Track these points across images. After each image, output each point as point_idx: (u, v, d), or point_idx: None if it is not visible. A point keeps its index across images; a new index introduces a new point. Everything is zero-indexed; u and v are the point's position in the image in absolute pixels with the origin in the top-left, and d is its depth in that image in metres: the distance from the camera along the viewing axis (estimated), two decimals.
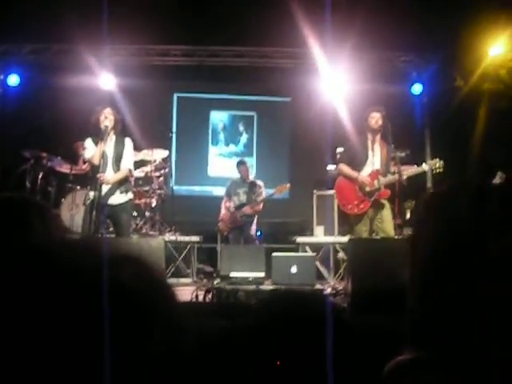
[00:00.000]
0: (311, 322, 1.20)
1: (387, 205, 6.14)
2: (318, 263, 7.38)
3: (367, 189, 6.06)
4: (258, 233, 8.28)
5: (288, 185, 7.96)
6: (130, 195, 6.20)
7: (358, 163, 6.18)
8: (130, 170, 6.20)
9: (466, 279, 0.95)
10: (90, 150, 6.00)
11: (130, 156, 6.16)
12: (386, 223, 6.05)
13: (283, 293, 1.49)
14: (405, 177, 6.08)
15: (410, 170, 6.18)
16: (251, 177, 8.43)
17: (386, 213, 6.10)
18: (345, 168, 6.24)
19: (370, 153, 6.18)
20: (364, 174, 6.15)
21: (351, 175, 6.16)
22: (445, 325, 0.96)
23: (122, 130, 6.23)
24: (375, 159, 6.18)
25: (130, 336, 0.65)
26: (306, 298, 1.34)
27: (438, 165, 6.20)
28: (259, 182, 8.28)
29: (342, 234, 8.10)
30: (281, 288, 5.53)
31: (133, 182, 7.29)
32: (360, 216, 6.07)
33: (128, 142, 6.18)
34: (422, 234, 1.08)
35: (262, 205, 7.99)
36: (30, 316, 0.62)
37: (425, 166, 6.28)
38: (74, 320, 0.62)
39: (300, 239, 7.98)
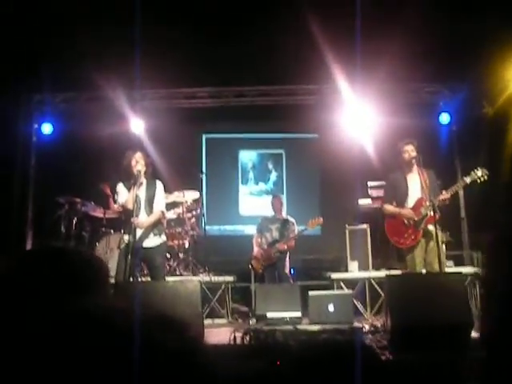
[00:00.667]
0: (350, 366, 1.19)
1: (433, 235, 6.05)
2: (353, 299, 7.28)
3: (415, 218, 6.06)
4: (292, 270, 8.22)
5: (321, 219, 7.92)
6: (164, 237, 6.25)
7: (400, 198, 6.26)
8: (163, 212, 6.25)
9: None
10: (122, 194, 6.09)
11: (161, 198, 6.23)
12: (432, 257, 6.01)
13: (320, 341, 1.47)
14: (440, 200, 6.00)
15: (443, 195, 6.10)
16: (283, 213, 8.43)
17: (433, 244, 6.06)
18: (388, 207, 6.38)
19: (409, 185, 6.24)
20: (409, 205, 6.18)
21: (394, 212, 6.27)
22: None
23: (152, 174, 6.32)
24: (415, 189, 6.23)
25: None
26: (342, 347, 1.32)
27: (480, 173, 6.06)
28: (291, 219, 8.27)
29: (376, 268, 8.01)
30: (317, 329, 5.46)
31: (165, 224, 7.36)
32: (412, 248, 6.06)
33: (159, 184, 6.26)
34: (497, 274, 1.11)
35: (294, 241, 7.96)
36: None
37: (466, 179, 6.17)
38: None
39: (334, 275, 7.89)
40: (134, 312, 0.76)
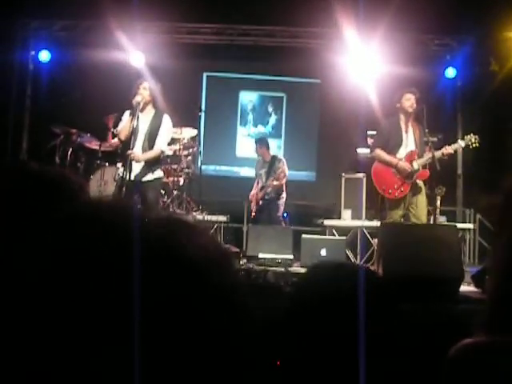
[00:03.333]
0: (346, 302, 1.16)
1: (423, 189, 6.05)
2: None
3: (409, 171, 5.99)
4: (285, 214, 8.24)
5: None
6: (160, 173, 6.07)
7: (392, 146, 6.08)
8: (162, 152, 5.99)
9: None
10: (123, 122, 5.91)
11: (165, 135, 5.94)
12: (420, 209, 5.97)
13: (317, 272, 1.43)
14: (440, 155, 5.95)
15: (445, 149, 6.04)
16: (271, 154, 8.32)
17: (421, 198, 6.02)
18: (382, 153, 6.11)
19: (403, 135, 6.09)
20: (400, 156, 6.06)
21: (391, 161, 6.05)
22: None
23: (161, 106, 6.03)
24: (409, 141, 6.10)
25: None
26: (340, 274, 1.29)
27: (473, 140, 6.06)
28: (279, 157, 8.22)
29: (369, 218, 8.03)
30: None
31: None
32: (398, 201, 5.99)
33: (166, 119, 5.96)
34: (505, 221, 1.12)
35: (279, 182, 7.87)
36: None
37: (461, 142, 6.14)
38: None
39: (327, 222, 7.93)
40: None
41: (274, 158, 8.21)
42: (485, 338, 1.01)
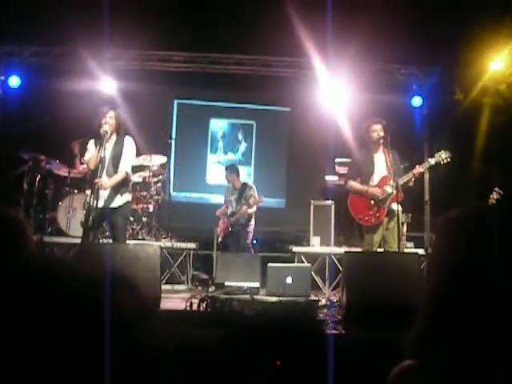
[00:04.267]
0: (297, 339, 1.21)
1: (396, 215, 6.14)
2: (313, 274, 7.36)
3: (380, 197, 6.09)
4: (254, 241, 8.26)
5: (262, 198, 7.87)
6: (128, 196, 6.07)
7: (365, 176, 6.25)
8: (127, 173, 6.01)
9: (476, 296, 1.03)
10: (90, 151, 5.93)
11: (128, 157, 5.98)
12: (394, 237, 6.07)
13: (276, 307, 1.49)
14: (413, 174, 6.06)
15: (415, 169, 6.17)
16: (241, 181, 8.37)
17: (393, 223, 6.12)
18: (354, 184, 6.30)
19: (375, 163, 6.25)
20: (373, 183, 6.20)
21: (361, 190, 6.22)
22: (453, 337, 1.02)
23: (124, 132, 6.06)
24: (381, 168, 6.24)
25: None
26: (296, 315, 1.35)
27: (444, 155, 6.18)
28: (250, 184, 8.26)
29: (337, 244, 8.10)
30: (277, 302, 5.52)
31: (130, 187, 7.29)
32: (376, 226, 6.09)
33: (128, 141, 6.00)
34: (440, 251, 1.17)
35: (253, 209, 7.93)
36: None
37: (431, 160, 6.26)
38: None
39: (296, 249, 7.97)
40: (79, 268, 0.74)
41: (245, 185, 8.25)
42: (410, 363, 1.05)
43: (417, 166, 6.22)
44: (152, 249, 5.24)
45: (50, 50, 9.09)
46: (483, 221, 1.10)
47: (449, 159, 6.19)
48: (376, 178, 6.24)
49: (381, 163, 6.27)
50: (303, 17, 7.68)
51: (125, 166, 5.96)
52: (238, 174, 8.36)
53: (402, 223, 7.30)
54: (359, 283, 4.65)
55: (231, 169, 8.44)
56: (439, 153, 6.26)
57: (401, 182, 6.10)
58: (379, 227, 6.12)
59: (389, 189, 6.12)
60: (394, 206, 6.16)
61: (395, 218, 6.12)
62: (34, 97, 8.92)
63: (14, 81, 9.16)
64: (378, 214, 6.10)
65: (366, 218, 6.13)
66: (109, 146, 5.88)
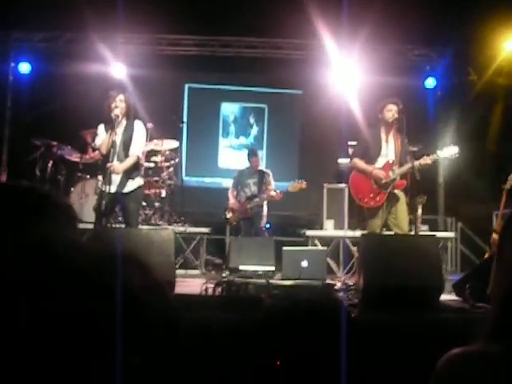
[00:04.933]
0: (321, 322, 1.18)
1: (402, 198, 6.06)
2: (327, 257, 7.33)
3: (383, 181, 5.99)
4: (267, 225, 8.22)
5: (304, 183, 7.68)
6: (140, 181, 6.04)
7: (371, 156, 6.09)
8: (139, 157, 5.99)
9: None
10: (100, 136, 5.90)
11: (139, 141, 5.94)
12: (401, 219, 5.98)
13: (296, 293, 1.47)
14: (420, 164, 5.95)
15: (423, 159, 6.05)
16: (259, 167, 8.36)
17: (401, 207, 6.03)
18: (359, 162, 6.14)
19: (383, 145, 6.10)
20: (378, 165, 6.07)
21: (366, 169, 6.07)
22: None
23: (134, 116, 6.05)
24: (389, 151, 6.10)
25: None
26: (318, 299, 1.31)
27: (453, 151, 6.08)
28: (266, 170, 8.21)
29: (351, 228, 8.06)
30: (291, 283, 5.51)
31: (143, 172, 7.27)
32: (375, 210, 5.99)
33: (138, 125, 5.96)
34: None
35: (275, 193, 7.81)
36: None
37: (439, 153, 6.13)
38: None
39: (310, 232, 7.94)
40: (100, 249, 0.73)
41: (262, 171, 8.18)
42: (473, 348, 1.00)
43: (425, 157, 6.08)
44: (166, 233, 5.22)
45: (60, 35, 9.08)
46: None
47: (457, 155, 6.08)
48: (381, 161, 6.10)
49: (390, 146, 6.14)
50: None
51: (136, 150, 5.92)
52: (259, 159, 8.29)
53: (417, 205, 7.21)
54: (377, 266, 4.60)
55: (255, 152, 8.33)
56: (449, 147, 6.15)
57: (407, 169, 5.98)
58: (379, 211, 6.01)
59: (392, 174, 6.01)
60: (398, 191, 6.07)
61: (398, 203, 6.02)
62: (45, 83, 8.91)
63: (25, 67, 9.16)
64: (378, 198, 5.98)
65: (366, 200, 6.01)
66: (119, 131, 5.84)
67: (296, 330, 1.20)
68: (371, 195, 5.99)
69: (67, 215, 1.44)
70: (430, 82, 9.33)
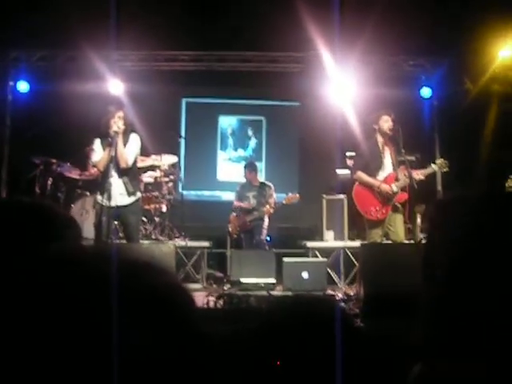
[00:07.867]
0: (320, 327, 1.20)
1: (399, 208, 6.11)
2: (328, 268, 7.34)
3: (390, 193, 6.02)
4: (268, 238, 8.24)
5: (297, 195, 7.81)
6: (138, 195, 6.05)
7: (373, 168, 6.12)
8: (127, 164, 5.83)
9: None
10: (98, 153, 5.90)
11: (131, 150, 5.87)
12: (398, 227, 6.01)
13: (293, 298, 1.48)
14: (417, 178, 6.00)
15: (420, 172, 6.10)
16: (260, 179, 8.41)
17: (399, 217, 6.07)
18: (363, 176, 6.14)
19: (382, 156, 6.15)
20: (379, 178, 6.11)
21: (373, 184, 6.08)
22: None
23: (130, 130, 6.00)
24: (387, 163, 6.15)
25: (143, 339, 0.65)
26: (316, 303, 1.33)
27: (443, 164, 6.16)
28: (267, 183, 8.25)
29: (351, 238, 8.07)
30: (291, 294, 5.51)
31: (142, 187, 7.29)
32: (380, 222, 6.02)
33: (133, 138, 5.94)
34: (434, 235, 1.19)
35: (272, 207, 7.89)
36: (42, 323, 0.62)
37: (434, 166, 6.21)
38: (87, 326, 0.62)
39: (310, 244, 7.95)
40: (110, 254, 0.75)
41: (264, 184, 8.24)
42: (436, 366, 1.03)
43: (418, 172, 6.14)
44: (167, 247, 5.25)
45: (58, 54, 9.14)
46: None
47: (447, 169, 6.19)
48: (382, 174, 6.13)
49: (387, 158, 6.18)
50: (309, 10, 7.64)
51: (127, 158, 5.84)
52: (256, 172, 8.38)
53: (416, 213, 7.25)
54: (377, 276, 4.63)
55: (251, 167, 8.39)
56: (439, 160, 6.29)
57: (406, 182, 6.03)
58: (383, 223, 6.05)
59: (394, 187, 6.04)
60: (399, 204, 6.11)
61: (398, 211, 6.07)
62: (43, 101, 8.95)
63: (23, 86, 9.20)
64: (384, 211, 6.01)
65: (372, 214, 6.04)
66: (116, 147, 5.83)
67: (295, 330, 1.21)
68: (377, 208, 6.02)
69: (73, 229, 1.47)
70: (426, 92, 9.38)
